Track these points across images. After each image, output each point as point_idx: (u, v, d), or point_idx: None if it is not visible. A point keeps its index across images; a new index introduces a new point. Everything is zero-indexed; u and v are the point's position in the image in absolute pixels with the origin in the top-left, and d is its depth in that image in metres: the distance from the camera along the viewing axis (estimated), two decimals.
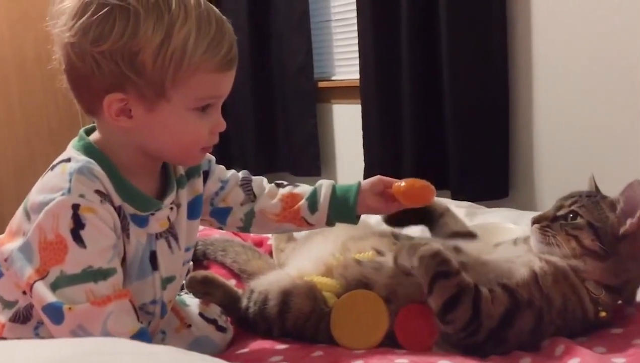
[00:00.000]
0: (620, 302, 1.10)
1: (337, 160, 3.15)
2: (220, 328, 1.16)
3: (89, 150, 0.94)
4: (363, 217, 1.28)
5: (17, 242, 0.89)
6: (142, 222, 0.96)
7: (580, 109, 2.22)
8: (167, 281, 1.03)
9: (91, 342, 0.57)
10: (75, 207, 0.86)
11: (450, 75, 2.41)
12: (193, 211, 1.07)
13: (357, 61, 2.79)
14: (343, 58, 3.08)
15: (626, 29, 2.06)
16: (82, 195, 0.87)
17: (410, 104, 2.58)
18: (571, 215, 1.07)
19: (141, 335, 0.88)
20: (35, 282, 0.86)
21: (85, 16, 0.86)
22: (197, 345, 1.10)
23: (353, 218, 1.15)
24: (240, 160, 3.39)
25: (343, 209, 1.14)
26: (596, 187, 1.16)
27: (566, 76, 2.23)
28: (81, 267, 0.86)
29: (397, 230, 1.28)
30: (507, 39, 2.35)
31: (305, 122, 3.13)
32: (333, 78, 3.14)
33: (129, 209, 0.94)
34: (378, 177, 1.16)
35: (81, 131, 0.99)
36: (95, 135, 0.97)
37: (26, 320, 0.94)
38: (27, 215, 0.89)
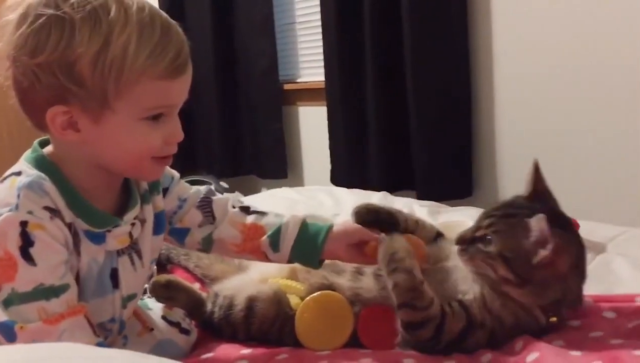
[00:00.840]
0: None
1: (303, 163, 3.15)
2: (184, 331, 1.14)
3: (41, 163, 0.91)
4: (326, 216, 1.27)
5: None
6: (97, 239, 0.94)
7: (542, 110, 2.25)
8: (128, 299, 1.01)
9: (45, 347, 0.56)
10: (24, 224, 0.84)
11: (414, 77, 2.43)
12: (158, 227, 1.05)
13: (322, 63, 2.80)
14: (308, 60, 3.08)
15: (587, 28, 2.10)
16: (30, 212, 0.85)
17: (375, 105, 2.59)
18: (487, 239, 1.02)
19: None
20: None
21: (23, 28, 0.84)
22: (160, 348, 1.09)
23: (316, 265, 1.11)
24: (206, 164, 3.37)
25: (307, 256, 1.10)
26: (537, 173, 1.11)
27: (528, 77, 2.26)
28: (32, 285, 0.84)
29: None
30: (469, 41, 2.37)
31: (271, 125, 3.13)
32: (298, 80, 3.14)
33: (82, 225, 0.91)
34: (356, 227, 1.11)
35: (35, 143, 0.96)
36: (49, 148, 0.95)
37: None
38: None
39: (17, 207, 0.85)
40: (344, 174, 2.75)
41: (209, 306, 1.17)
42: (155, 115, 0.90)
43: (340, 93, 2.72)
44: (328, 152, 2.80)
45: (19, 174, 0.89)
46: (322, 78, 2.81)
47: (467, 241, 1.05)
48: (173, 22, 0.91)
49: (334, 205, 2.03)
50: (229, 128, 3.29)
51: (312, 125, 3.04)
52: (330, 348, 1.06)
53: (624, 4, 2.01)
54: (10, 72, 0.88)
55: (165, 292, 1.18)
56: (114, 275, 0.97)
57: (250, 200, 2.13)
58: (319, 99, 2.88)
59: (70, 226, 0.90)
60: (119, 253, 0.97)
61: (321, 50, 2.79)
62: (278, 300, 1.12)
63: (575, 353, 0.96)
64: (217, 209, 1.13)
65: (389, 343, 1.04)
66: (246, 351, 1.10)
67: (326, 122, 2.80)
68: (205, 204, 1.13)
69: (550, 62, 2.20)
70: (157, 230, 1.05)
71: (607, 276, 1.31)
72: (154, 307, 1.17)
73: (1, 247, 0.84)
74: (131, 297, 1.02)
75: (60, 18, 0.83)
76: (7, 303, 0.84)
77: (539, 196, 1.10)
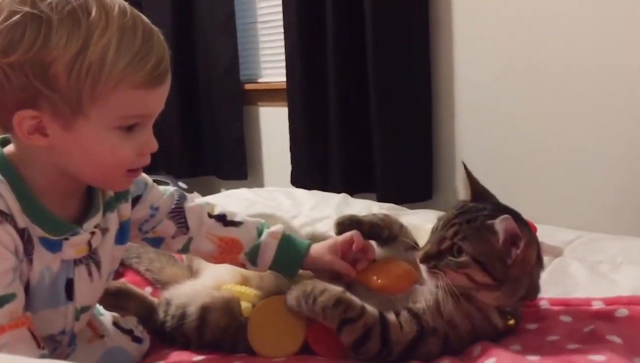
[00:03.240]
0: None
1: (264, 164, 3.11)
2: (137, 339, 1.10)
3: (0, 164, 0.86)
4: (284, 218, 1.25)
5: None
6: (53, 247, 0.89)
7: (501, 113, 2.27)
8: (82, 311, 0.96)
9: None
10: None
11: (375, 79, 2.42)
12: (121, 237, 1.01)
13: (283, 63, 2.77)
14: (269, 60, 3.05)
15: (546, 30, 2.12)
16: None
17: (336, 106, 2.58)
18: (457, 247, 1.01)
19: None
20: None
21: None
22: (110, 356, 1.05)
23: (293, 277, 1.12)
24: (165, 165, 3.30)
25: (285, 271, 1.13)
26: (470, 175, 1.12)
27: (487, 80, 2.28)
28: None
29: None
30: (430, 42, 2.38)
31: (232, 125, 3.09)
32: (259, 80, 3.10)
33: (37, 232, 0.86)
34: (331, 259, 1.11)
35: None
36: (10, 147, 0.89)
37: None
38: None
39: None
40: (304, 175, 2.72)
41: (161, 314, 1.13)
42: (130, 126, 0.86)
43: (301, 94, 2.70)
44: (288, 153, 2.78)
45: None
46: (284, 78, 2.78)
47: (434, 257, 1.03)
48: (155, 28, 0.87)
49: (292, 206, 2.01)
50: (189, 127, 3.23)
51: (273, 126, 3.01)
52: (284, 355, 1.04)
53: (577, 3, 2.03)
54: None
55: (115, 301, 1.14)
56: (69, 286, 0.92)
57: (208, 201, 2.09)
58: (280, 100, 2.85)
59: (23, 232, 0.85)
60: (76, 262, 0.93)
61: (282, 50, 2.76)
62: (230, 310, 1.10)
63: (533, 358, 0.95)
64: (190, 218, 1.10)
65: (339, 352, 1.02)
66: (199, 358, 1.07)
67: (287, 122, 2.78)
68: (178, 214, 1.09)
69: (509, 64, 2.21)
70: (119, 240, 1.00)
71: (564, 279, 1.32)
72: (106, 313, 1.13)
73: None
74: (85, 309, 0.97)
75: (36, 17, 0.78)
76: None
77: (481, 196, 1.11)
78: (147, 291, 1.28)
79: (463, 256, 1.00)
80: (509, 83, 2.23)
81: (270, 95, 3.01)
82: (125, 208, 1.02)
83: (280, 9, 2.75)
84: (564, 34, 2.08)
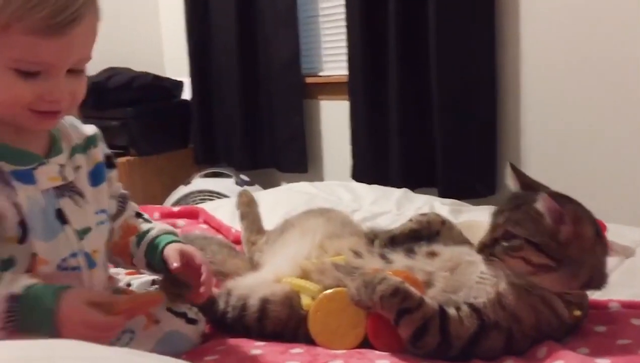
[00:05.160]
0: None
1: (324, 157, 3.12)
2: (191, 321, 1.12)
3: None
4: (344, 212, 1.25)
5: None
6: (26, 178, 0.94)
7: (568, 109, 2.20)
8: (83, 232, 1.00)
9: (42, 346, 0.54)
10: None
11: (438, 71, 2.38)
12: (95, 178, 1.06)
13: (345, 57, 2.76)
14: (331, 54, 3.04)
15: (617, 30, 2.04)
16: None
17: (398, 100, 2.55)
18: (509, 233, 1.01)
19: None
20: None
21: None
22: (167, 340, 1.07)
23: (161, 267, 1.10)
24: (227, 157, 3.35)
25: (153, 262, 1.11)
26: (517, 170, 1.12)
27: (554, 73, 2.21)
28: None
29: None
30: (495, 36, 2.32)
31: (292, 118, 3.10)
32: (320, 74, 3.10)
33: (6, 167, 0.92)
34: (187, 251, 1.09)
35: None
36: None
37: None
38: None
39: None
40: (365, 169, 2.71)
41: (221, 305, 1.15)
42: (30, 72, 0.88)
43: (363, 87, 2.68)
44: (349, 147, 2.77)
45: None
46: (345, 72, 2.77)
47: (488, 245, 1.03)
48: None
49: (353, 200, 2.00)
50: (250, 120, 3.27)
51: (334, 120, 3.01)
52: (345, 348, 1.05)
53: None
54: None
55: (176, 289, 1.16)
56: (60, 214, 0.97)
57: (269, 195, 2.11)
58: (341, 93, 2.84)
59: None
60: (58, 195, 0.98)
61: (344, 43, 2.75)
62: (290, 303, 1.11)
63: (601, 362, 0.92)
64: (127, 209, 1.16)
65: (401, 347, 1.01)
66: (260, 343, 1.09)
67: (348, 116, 2.77)
68: (123, 200, 1.15)
69: (578, 61, 2.14)
70: (94, 181, 1.06)
71: (636, 281, 1.27)
72: None
73: None
74: (86, 231, 1.01)
75: None
76: None
77: (530, 187, 1.10)
78: None
79: (515, 241, 0.99)
80: (576, 78, 2.15)
81: (331, 88, 3.01)
82: (96, 152, 1.08)
83: (343, 2, 2.74)
84: (634, 29, 1.99)
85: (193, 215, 1.84)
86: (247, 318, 1.12)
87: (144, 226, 1.14)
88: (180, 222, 1.76)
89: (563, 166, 2.19)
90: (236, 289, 1.16)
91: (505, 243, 1.00)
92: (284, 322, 1.11)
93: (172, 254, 1.06)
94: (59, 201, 0.98)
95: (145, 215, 1.19)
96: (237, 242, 1.53)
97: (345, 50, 2.75)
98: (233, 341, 1.11)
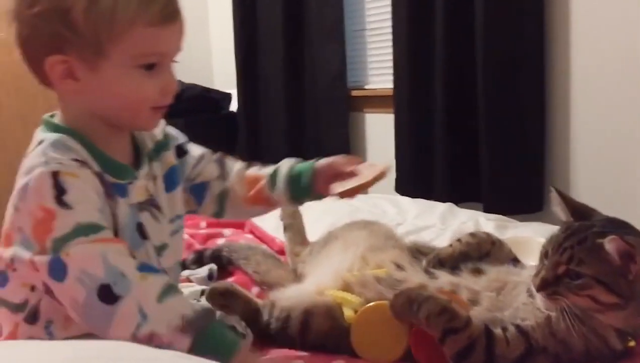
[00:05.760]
0: None
1: None
2: (239, 335, 1.14)
3: (57, 129, 0.94)
4: (388, 226, 1.24)
5: (16, 241, 0.89)
6: (122, 192, 0.96)
7: (620, 122, 2.15)
8: (161, 249, 1.02)
9: (95, 346, 0.56)
10: (55, 175, 0.86)
11: (484, 86, 2.37)
12: (170, 183, 1.07)
13: (391, 70, 2.77)
14: (377, 67, 3.05)
15: None
16: (60, 163, 0.87)
17: (443, 114, 2.54)
18: (573, 272, 0.96)
19: (146, 266, 0.89)
20: (34, 258, 0.86)
21: None
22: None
23: (309, 198, 1.14)
24: None
25: (298, 190, 1.13)
26: (564, 196, 1.08)
27: (605, 86, 2.17)
28: (70, 226, 0.85)
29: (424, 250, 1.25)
30: (544, 48, 2.29)
31: (338, 131, 3.12)
32: (366, 87, 3.11)
33: (108, 178, 0.94)
34: (329, 162, 1.14)
35: (44, 117, 0.98)
36: (58, 117, 0.97)
37: (35, 320, 0.93)
38: (15, 208, 0.89)
39: (46, 162, 0.87)
40: (409, 183, 2.70)
41: (265, 316, 1.16)
42: (149, 65, 0.92)
43: (408, 101, 2.68)
44: (393, 160, 2.77)
45: (40, 143, 0.92)
46: (391, 85, 2.78)
47: (551, 283, 0.99)
48: None
49: (397, 214, 1.99)
50: (296, 132, 3.30)
51: (378, 133, 3.01)
52: (387, 360, 1.05)
53: None
54: (14, 27, 0.92)
55: (222, 300, 1.18)
56: (140, 229, 0.99)
57: (313, 206, 2.12)
58: (386, 106, 2.85)
59: (100, 176, 0.92)
60: (140, 209, 0.99)
61: (390, 57, 2.76)
62: (333, 316, 1.12)
63: None
64: (229, 166, 1.18)
65: (444, 361, 1.00)
66: (303, 353, 1.10)
67: (392, 129, 2.77)
68: (221, 160, 1.18)
69: (630, 71, 2.09)
70: (169, 187, 1.07)
71: None
72: None
73: (39, 207, 0.86)
74: (163, 247, 1.03)
75: None
76: (53, 253, 0.85)
77: (580, 212, 1.07)
78: (254, 291, 1.32)
79: (582, 279, 0.96)
80: (628, 89, 2.11)
81: (376, 101, 3.01)
82: (168, 156, 1.09)
83: (390, 16, 2.75)
84: None
85: (239, 225, 1.86)
86: (290, 330, 1.13)
87: (267, 170, 1.16)
88: (227, 231, 1.79)
89: (612, 180, 2.13)
90: (280, 301, 1.17)
91: (569, 281, 0.97)
92: (326, 333, 1.11)
93: (327, 167, 1.12)
94: (141, 215, 0.99)
95: (257, 166, 1.20)
96: (281, 252, 1.54)
97: (391, 64, 2.76)
98: (275, 351, 1.12)
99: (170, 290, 0.89)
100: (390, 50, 2.76)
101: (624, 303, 0.95)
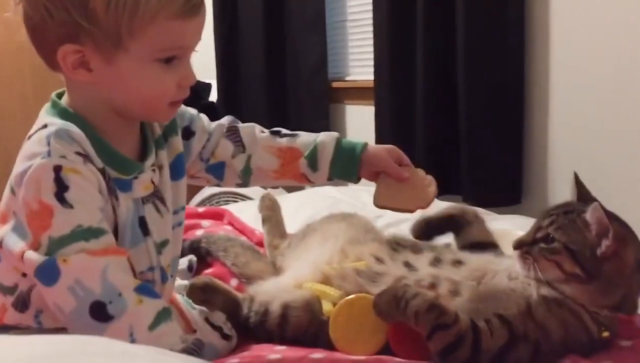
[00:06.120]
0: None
1: None
2: (225, 337, 1.12)
3: (64, 113, 0.90)
4: (367, 218, 1.24)
5: (9, 224, 0.86)
6: (126, 187, 0.93)
7: (598, 115, 2.16)
8: (162, 245, 1.00)
9: (68, 341, 0.55)
10: (57, 169, 0.83)
11: (465, 79, 2.37)
12: (176, 172, 1.04)
13: (371, 62, 2.76)
14: (358, 59, 3.05)
15: None
16: (63, 156, 0.83)
17: (424, 106, 2.54)
18: (550, 237, 1.02)
19: (144, 288, 0.86)
20: (25, 251, 0.83)
21: None
22: None
23: (354, 179, 1.14)
24: None
25: (345, 170, 1.12)
26: (579, 182, 1.11)
27: (584, 80, 2.18)
28: (70, 227, 0.82)
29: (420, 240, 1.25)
30: (525, 41, 2.30)
31: (318, 122, 3.10)
32: (347, 78, 3.11)
33: (112, 173, 0.91)
34: (393, 148, 1.14)
35: (53, 95, 0.94)
36: (66, 99, 0.93)
37: (24, 309, 0.90)
38: (12, 191, 0.86)
39: (49, 153, 0.83)
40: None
41: (244, 310, 1.17)
42: (169, 58, 0.89)
43: (389, 92, 2.68)
44: None
45: (44, 126, 0.88)
46: (371, 77, 2.77)
47: (527, 244, 1.04)
48: None
49: None
50: (276, 123, 3.24)
51: (359, 124, 3.01)
52: (366, 354, 1.04)
53: None
54: (20, 7, 0.87)
55: (202, 295, 1.17)
56: (143, 223, 0.96)
57: (292, 198, 2.12)
58: (367, 98, 2.85)
59: (103, 172, 0.89)
60: (144, 201, 0.96)
61: (371, 48, 2.75)
62: (312, 307, 1.12)
63: None
64: (245, 137, 1.13)
65: (423, 355, 1.00)
66: (281, 348, 1.09)
67: (373, 121, 2.77)
68: (233, 133, 1.13)
69: (607, 65, 2.10)
70: (175, 176, 1.03)
71: None
72: (197, 308, 1.16)
73: (35, 199, 0.82)
74: (164, 243, 1.00)
75: None
76: (49, 254, 0.82)
77: (585, 200, 1.09)
78: (232, 284, 1.31)
79: (554, 243, 1.00)
80: (607, 82, 2.12)
81: (357, 93, 3.01)
82: (177, 141, 1.05)
83: (370, 7, 2.74)
84: None
85: (218, 216, 1.85)
86: (269, 324, 1.13)
87: (306, 143, 1.14)
88: (205, 222, 1.77)
89: (592, 175, 2.15)
90: (258, 295, 1.17)
91: (543, 245, 1.01)
92: (305, 327, 1.11)
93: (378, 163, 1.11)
94: (144, 208, 0.96)
95: (283, 130, 1.18)
96: (261, 244, 1.53)
97: (372, 55, 2.76)
98: (254, 345, 1.11)
99: (164, 316, 0.87)
100: (371, 41, 2.75)
101: (586, 277, 0.98)
